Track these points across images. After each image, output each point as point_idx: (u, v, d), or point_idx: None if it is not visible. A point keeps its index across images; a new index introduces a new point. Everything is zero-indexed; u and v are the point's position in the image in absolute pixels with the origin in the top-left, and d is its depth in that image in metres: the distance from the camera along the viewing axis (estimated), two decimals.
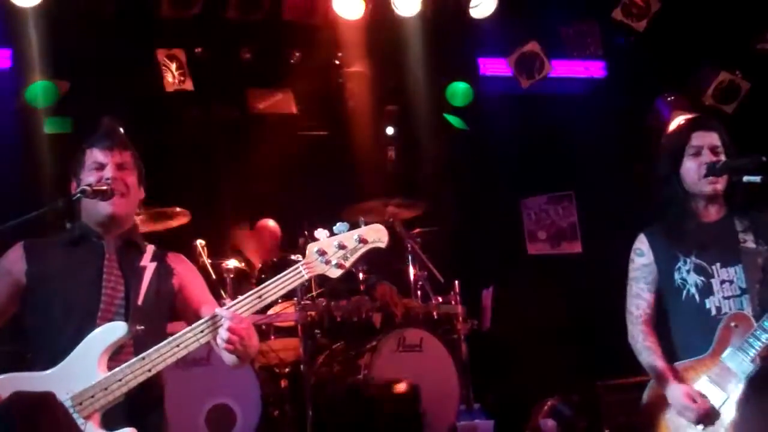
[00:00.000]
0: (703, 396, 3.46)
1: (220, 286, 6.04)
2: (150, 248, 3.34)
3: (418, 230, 6.86)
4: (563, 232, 8.48)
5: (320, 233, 3.10)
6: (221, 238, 6.85)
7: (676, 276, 3.67)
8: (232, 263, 6.21)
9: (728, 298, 3.57)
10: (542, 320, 7.85)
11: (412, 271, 6.59)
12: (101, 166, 3.21)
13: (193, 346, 2.99)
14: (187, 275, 3.40)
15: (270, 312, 6.16)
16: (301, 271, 3.06)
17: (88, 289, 3.13)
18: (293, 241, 6.36)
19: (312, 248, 3.08)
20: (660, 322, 3.78)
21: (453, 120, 8.19)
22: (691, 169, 3.67)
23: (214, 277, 6.09)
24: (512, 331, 7.96)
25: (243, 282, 6.43)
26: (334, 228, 3.12)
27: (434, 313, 6.41)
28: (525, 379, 7.33)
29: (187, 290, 3.35)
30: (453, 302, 6.51)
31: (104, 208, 3.17)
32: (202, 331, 2.99)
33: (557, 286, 7.70)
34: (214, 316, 2.99)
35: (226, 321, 2.93)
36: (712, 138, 3.71)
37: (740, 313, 3.51)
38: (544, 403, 6.31)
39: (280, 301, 6.25)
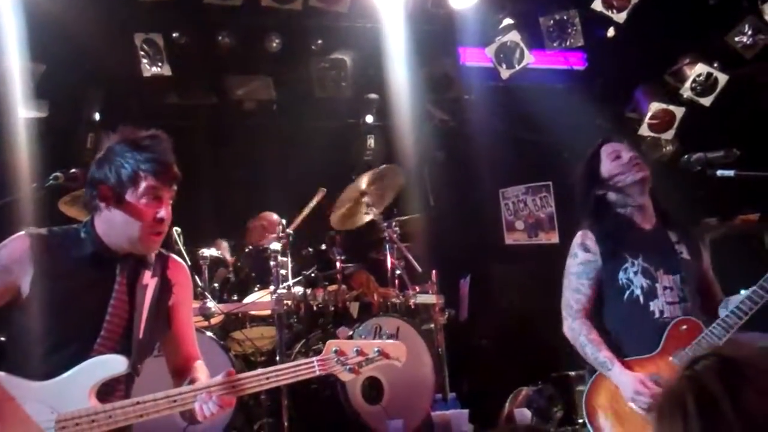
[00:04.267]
0: (655, 382, 3.53)
1: (195, 273, 6.00)
2: (153, 255, 3.19)
3: (396, 219, 6.86)
4: (540, 223, 8.51)
5: (342, 332, 3.08)
6: (197, 225, 6.80)
7: (621, 275, 3.75)
8: (207, 252, 6.19)
9: (670, 303, 3.69)
10: (519, 310, 7.89)
11: (389, 260, 6.59)
12: (156, 199, 3.00)
13: (190, 406, 2.93)
14: (181, 294, 3.28)
15: (246, 300, 6.16)
16: (314, 367, 3.03)
17: (92, 314, 2.99)
18: None
19: (331, 346, 3.07)
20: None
21: None
22: (613, 167, 3.83)
23: (189, 264, 6.05)
24: (489, 320, 8.00)
25: (218, 270, 6.42)
26: (357, 330, 3.13)
27: (411, 303, 6.40)
28: (500, 368, 7.36)
29: (176, 315, 3.26)
30: (430, 292, 6.51)
31: (142, 245, 3.03)
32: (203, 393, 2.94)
33: (534, 276, 7.73)
34: (222, 382, 2.93)
35: (220, 392, 2.91)
36: (621, 145, 3.93)
37: (690, 318, 3.64)
38: (519, 393, 6.34)
39: (256, 288, 6.26)
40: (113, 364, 2.95)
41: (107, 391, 2.97)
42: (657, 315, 3.67)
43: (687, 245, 3.82)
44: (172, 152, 3.07)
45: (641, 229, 3.82)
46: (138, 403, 2.90)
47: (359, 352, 3.06)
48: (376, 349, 3.08)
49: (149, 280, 3.13)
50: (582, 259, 3.81)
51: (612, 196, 3.85)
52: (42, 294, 2.96)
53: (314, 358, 3.06)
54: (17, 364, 2.95)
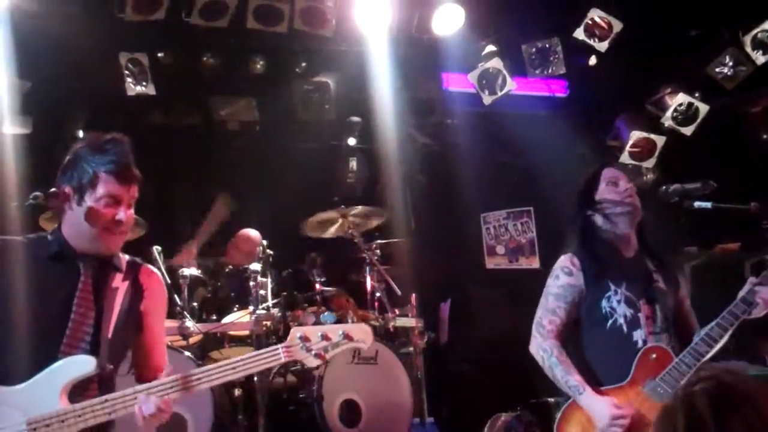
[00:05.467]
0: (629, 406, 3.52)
1: (175, 292, 5.98)
2: (124, 261, 3.23)
3: (376, 242, 6.87)
4: (521, 248, 8.54)
5: (306, 317, 3.07)
6: (178, 244, 6.78)
7: (604, 303, 3.73)
8: (187, 270, 6.17)
9: (652, 333, 3.67)
10: (498, 335, 7.88)
11: (369, 282, 6.59)
12: (115, 201, 3.04)
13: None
14: (153, 301, 3.30)
15: (225, 320, 6.14)
16: (279, 354, 3.04)
17: (57, 314, 3.02)
18: None
19: (295, 333, 3.06)
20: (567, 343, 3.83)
21: None
22: (607, 192, 3.85)
23: (169, 282, 6.03)
24: (468, 345, 7.99)
25: (198, 289, 6.40)
26: (321, 317, 3.13)
27: (390, 326, 6.40)
28: (479, 393, 7.35)
29: (147, 322, 3.27)
30: (410, 315, 6.53)
31: (101, 244, 3.07)
32: (171, 388, 2.98)
33: (514, 300, 7.74)
34: (185, 377, 2.97)
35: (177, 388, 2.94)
36: (621, 174, 3.95)
37: (658, 346, 3.62)
38: (497, 419, 6.33)
39: (235, 309, 6.25)
40: (81, 365, 2.98)
41: (80, 392, 2.99)
42: (640, 345, 3.64)
43: (663, 275, 3.83)
44: (132, 154, 3.11)
45: (623, 256, 3.82)
46: (106, 400, 2.94)
47: (324, 337, 3.05)
48: (340, 332, 3.07)
49: (120, 284, 3.17)
50: (563, 282, 3.80)
51: (599, 219, 3.85)
52: (8, 297, 2.99)
53: (279, 345, 3.06)
54: None
